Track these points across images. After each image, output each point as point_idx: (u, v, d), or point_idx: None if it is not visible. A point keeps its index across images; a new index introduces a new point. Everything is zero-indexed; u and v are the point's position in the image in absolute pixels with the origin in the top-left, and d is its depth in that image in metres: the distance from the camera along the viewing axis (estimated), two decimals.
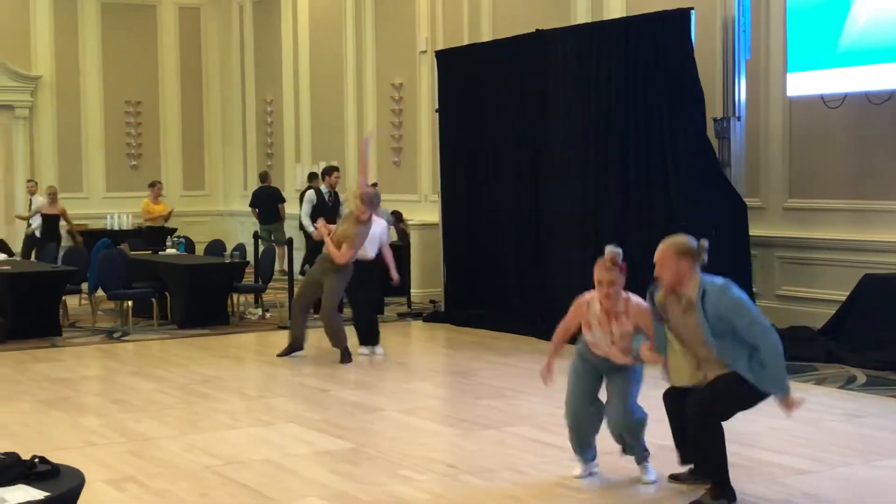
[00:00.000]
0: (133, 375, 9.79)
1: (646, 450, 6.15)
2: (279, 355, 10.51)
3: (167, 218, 16.87)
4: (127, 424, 7.75)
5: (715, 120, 10.56)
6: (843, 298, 10.21)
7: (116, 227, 18.15)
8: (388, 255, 10.82)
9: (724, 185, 10.28)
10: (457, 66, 13.35)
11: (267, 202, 16.83)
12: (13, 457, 3.79)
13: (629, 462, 6.26)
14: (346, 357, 10.27)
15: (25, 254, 16.09)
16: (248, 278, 14.29)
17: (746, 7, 10.48)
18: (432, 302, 13.93)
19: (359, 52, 16.99)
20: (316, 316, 11.09)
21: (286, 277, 13.71)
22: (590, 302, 6.01)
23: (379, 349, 10.69)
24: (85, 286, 13.39)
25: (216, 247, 14.81)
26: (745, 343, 5.44)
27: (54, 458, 3.92)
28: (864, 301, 10.04)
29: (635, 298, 5.92)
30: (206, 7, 20.47)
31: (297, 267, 14.09)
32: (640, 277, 6.19)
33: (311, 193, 13.92)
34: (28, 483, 3.70)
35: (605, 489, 6.04)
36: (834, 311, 10.32)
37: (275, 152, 19.46)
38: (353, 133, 17.20)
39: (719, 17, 10.72)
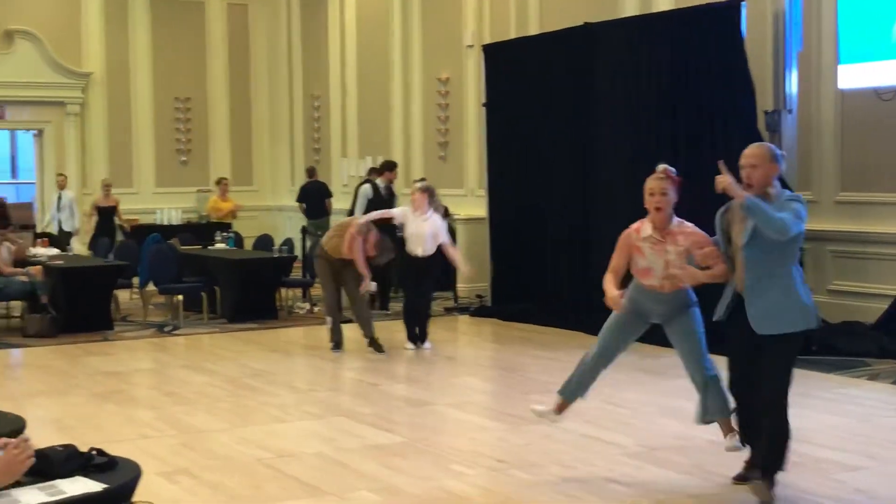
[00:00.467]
0: (184, 369, 9.89)
1: (728, 408, 5.85)
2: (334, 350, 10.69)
3: (235, 214, 16.87)
4: (179, 417, 7.82)
5: (766, 113, 10.47)
6: None
7: (166, 222, 18.31)
8: (450, 251, 10.69)
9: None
10: (504, 60, 13.33)
11: (314, 197, 16.88)
12: (71, 449, 3.84)
13: (676, 456, 6.23)
14: (375, 346, 10.48)
15: (91, 245, 16.33)
16: (296, 273, 14.36)
17: None
18: (479, 297, 13.95)
19: (405, 46, 17.00)
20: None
21: None
22: (639, 227, 5.91)
23: (426, 345, 10.69)
24: (136, 280, 13.53)
25: (265, 241, 14.91)
26: (788, 261, 5.38)
27: (108, 450, 3.96)
28: None
29: (688, 223, 5.82)
30: (253, 3, 20.58)
31: None
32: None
33: (366, 188, 13.93)
34: (86, 475, 3.74)
35: (654, 483, 6.01)
36: (886, 306, 10.19)
37: (322, 147, 19.53)
38: (399, 128, 17.22)
39: (770, 9, 10.63)
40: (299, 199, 16.86)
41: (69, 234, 16.95)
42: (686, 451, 6.57)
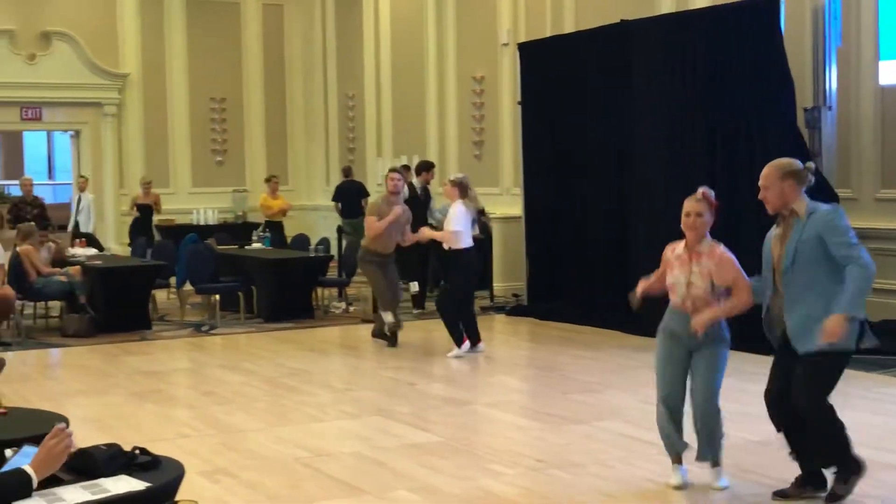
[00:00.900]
0: (222, 368, 9.92)
1: (718, 453, 5.88)
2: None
3: (286, 212, 16.85)
4: (218, 417, 7.85)
5: (805, 110, 10.37)
6: None
7: (202, 222, 18.41)
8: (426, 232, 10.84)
9: (814, 176, 10.07)
10: (540, 58, 13.29)
11: (350, 196, 16.91)
12: (115, 448, 3.84)
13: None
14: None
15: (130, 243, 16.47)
16: (332, 272, 14.39)
17: None
18: (515, 295, 13.91)
19: (440, 45, 16.99)
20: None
21: None
22: (675, 246, 5.91)
23: (453, 351, 10.33)
24: (173, 280, 13.59)
25: (301, 241, 14.95)
26: (825, 281, 5.29)
27: (148, 449, 3.97)
28: None
29: (724, 248, 5.78)
30: (288, 3, 20.65)
31: None
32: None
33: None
34: (129, 474, 3.75)
35: (693, 483, 5.95)
36: None
37: (357, 147, 19.56)
38: (434, 127, 17.21)
39: (809, 5, 10.54)
40: (335, 199, 16.89)
41: (86, 235, 17.00)
42: (725, 450, 6.49)
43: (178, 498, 3.85)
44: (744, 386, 8.52)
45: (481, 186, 14.20)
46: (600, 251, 12.23)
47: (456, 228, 10.13)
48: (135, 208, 17.42)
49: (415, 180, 13.93)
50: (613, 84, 11.95)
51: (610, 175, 12.10)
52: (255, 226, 18.12)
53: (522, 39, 14.32)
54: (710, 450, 5.87)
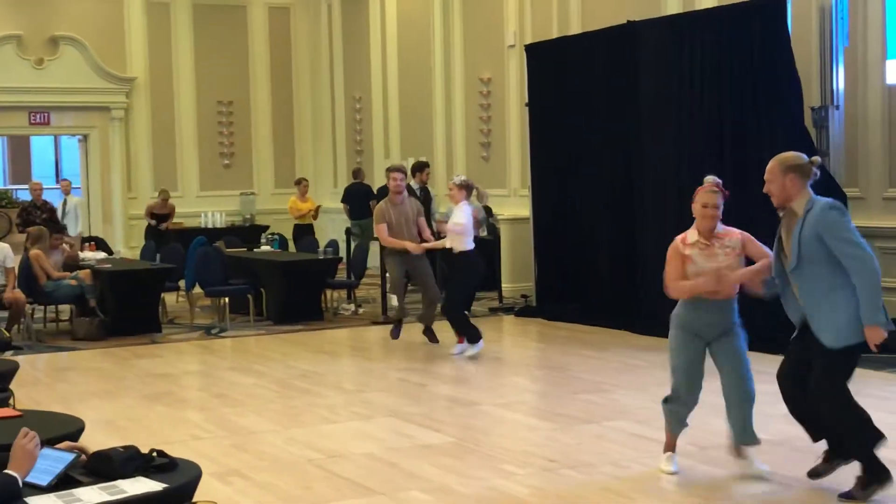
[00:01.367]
0: (232, 371, 9.95)
1: (755, 436, 6.00)
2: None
3: (315, 215, 16.72)
4: (229, 419, 7.88)
5: (812, 109, 10.38)
6: None
7: (210, 226, 18.45)
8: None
9: (822, 175, 10.05)
10: (546, 59, 13.31)
11: (358, 198, 16.94)
12: (133, 450, 3.88)
13: (728, 455, 6.19)
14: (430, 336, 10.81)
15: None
16: (341, 274, 14.41)
17: None
18: (524, 296, 13.93)
19: (447, 47, 17.02)
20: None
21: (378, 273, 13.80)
22: (685, 236, 6.02)
23: (456, 348, 10.40)
24: (182, 283, 13.63)
25: (310, 243, 14.97)
26: (834, 275, 5.31)
27: (165, 451, 4.00)
28: None
29: (738, 231, 6.00)
30: (295, 6, 20.69)
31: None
32: None
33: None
34: (146, 475, 3.79)
35: (706, 483, 5.97)
36: None
37: (364, 149, 19.59)
38: (441, 128, 17.24)
39: (816, 4, 10.54)
40: (343, 200, 16.91)
41: (95, 239, 16.96)
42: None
43: (195, 499, 3.88)
44: (758, 386, 8.53)
45: (489, 188, 14.23)
46: (608, 252, 12.24)
47: (463, 221, 10.14)
48: (150, 217, 17.40)
49: (412, 182, 13.95)
50: (620, 85, 11.97)
51: (618, 176, 12.11)
52: (264, 228, 18.20)
53: (529, 41, 14.34)
54: (751, 432, 6.01)
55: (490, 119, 16.20)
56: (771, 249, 5.76)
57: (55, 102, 18.68)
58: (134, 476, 3.77)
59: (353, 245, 14.58)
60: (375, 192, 16.41)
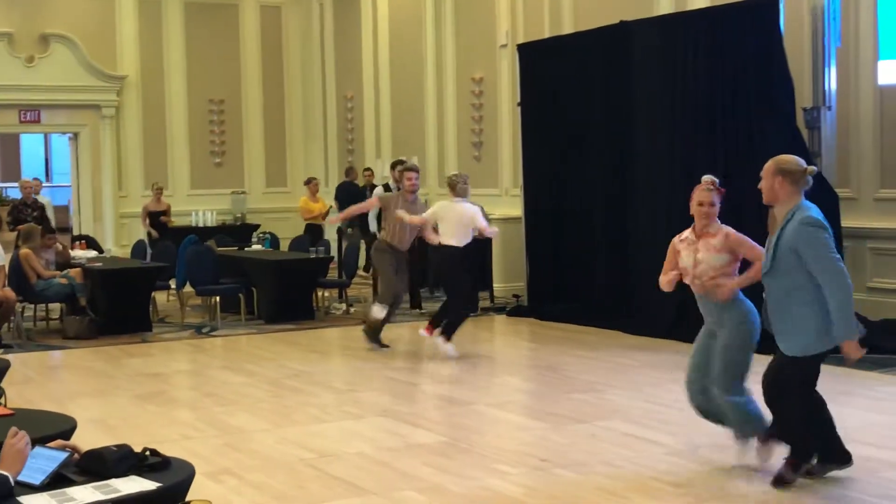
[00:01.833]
0: (223, 370, 9.93)
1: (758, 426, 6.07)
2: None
3: (325, 215, 16.38)
4: (221, 418, 7.85)
5: (804, 110, 10.39)
6: None
7: (201, 224, 18.40)
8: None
9: (814, 176, 10.09)
10: (539, 59, 13.31)
11: (349, 197, 16.89)
12: (126, 449, 3.86)
13: (720, 455, 6.20)
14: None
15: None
16: (333, 273, 14.40)
17: None
18: (515, 296, 13.92)
19: (439, 46, 17.00)
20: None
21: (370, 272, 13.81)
22: (682, 235, 6.21)
23: (444, 346, 10.28)
24: (173, 282, 13.60)
25: (301, 242, 14.95)
26: (805, 286, 5.33)
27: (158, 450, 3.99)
28: None
29: (730, 228, 6.10)
30: (287, 5, 20.65)
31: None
32: None
33: (378, 189, 13.94)
34: (140, 474, 3.77)
35: (699, 482, 5.97)
36: None
37: (355, 148, 19.57)
38: (433, 128, 17.22)
39: (808, 5, 10.55)
40: (335, 199, 16.88)
41: (86, 238, 16.86)
42: (730, 449, 6.51)
43: (188, 498, 3.86)
44: (754, 387, 8.55)
45: (481, 187, 14.28)
46: (601, 251, 12.24)
47: (423, 216, 10.23)
48: (147, 216, 17.28)
49: (390, 180, 13.98)
50: (613, 85, 11.97)
51: (610, 175, 12.12)
52: (255, 227, 18.16)
53: (521, 40, 14.33)
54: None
55: (482, 119, 16.19)
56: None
57: (46, 100, 18.61)
58: (127, 475, 3.75)
59: (344, 244, 14.56)
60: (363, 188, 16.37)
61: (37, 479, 3.64)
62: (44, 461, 3.72)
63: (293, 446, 6.95)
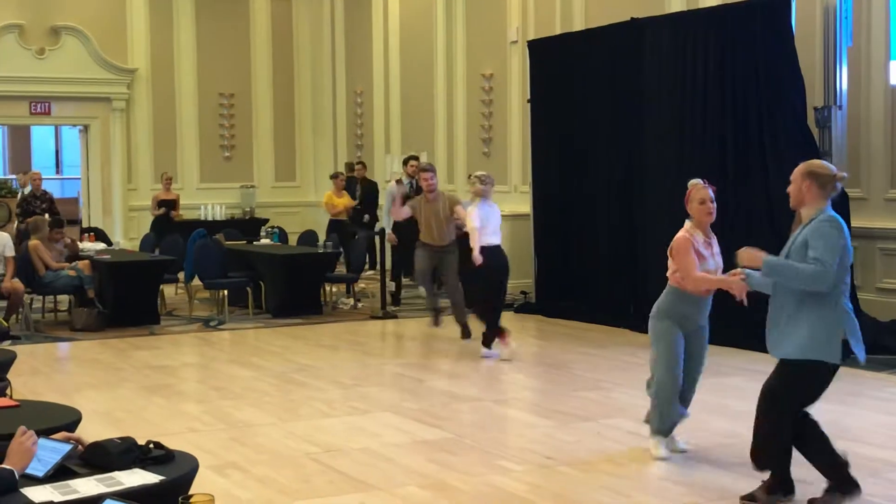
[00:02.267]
0: (230, 363, 9.93)
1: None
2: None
3: (349, 211, 16.10)
4: (227, 411, 7.86)
5: (815, 109, 10.35)
6: None
7: (210, 218, 18.42)
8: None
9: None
10: (549, 56, 13.29)
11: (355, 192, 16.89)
12: (129, 442, 3.86)
13: (725, 454, 6.18)
14: (465, 332, 10.79)
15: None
16: (341, 268, 14.40)
17: None
18: (523, 293, 13.90)
19: (449, 42, 16.98)
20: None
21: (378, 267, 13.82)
22: (692, 234, 6.21)
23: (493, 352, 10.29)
24: (181, 275, 13.61)
25: (309, 237, 14.95)
26: (809, 292, 5.25)
27: (162, 443, 3.99)
28: None
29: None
30: None
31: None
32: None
33: (391, 185, 13.94)
34: (143, 467, 3.77)
35: (704, 481, 5.96)
36: None
37: (364, 143, 19.56)
38: (442, 124, 17.20)
39: (820, 4, 10.51)
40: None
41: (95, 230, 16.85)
42: (735, 448, 6.51)
43: (192, 492, 3.85)
44: (754, 385, 8.51)
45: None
46: (609, 249, 12.22)
47: (475, 225, 10.01)
48: (156, 206, 17.28)
49: (403, 176, 13.97)
50: (623, 82, 11.95)
51: (619, 173, 12.09)
52: (263, 221, 18.19)
53: (532, 37, 14.31)
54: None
55: (491, 115, 16.17)
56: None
57: (56, 92, 18.63)
58: (131, 468, 3.75)
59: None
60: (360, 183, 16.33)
61: (40, 471, 3.64)
62: (48, 453, 3.72)
63: (299, 441, 6.95)
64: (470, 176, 11.23)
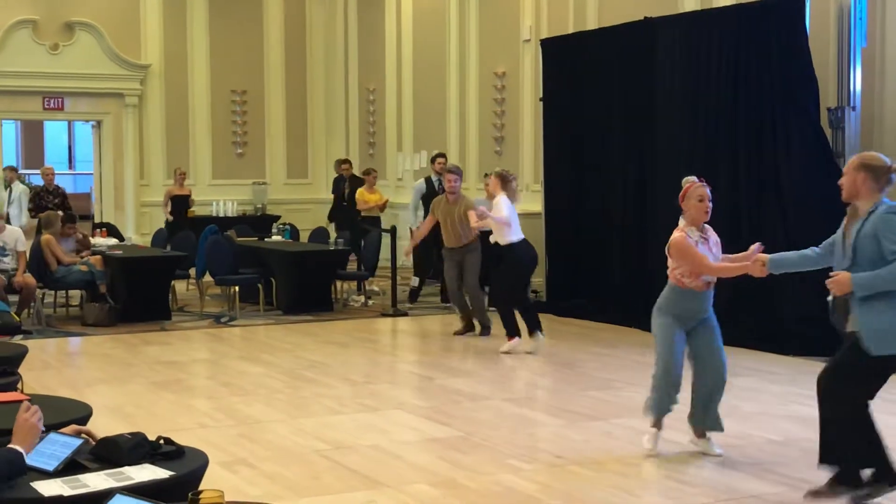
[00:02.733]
0: (241, 360, 9.95)
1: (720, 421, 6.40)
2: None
3: (383, 208, 15.61)
4: (237, 408, 7.87)
5: (829, 109, 10.31)
6: None
7: (222, 214, 18.44)
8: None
9: (838, 177, 9.95)
10: (562, 54, 13.27)
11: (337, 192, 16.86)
12: (139, 437, 3.86)
13: (735, 454, 6.16)
14: (485, 332, 10.98)
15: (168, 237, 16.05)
16: (352, 266, 14.40)
17: None
18: (534, 292, 13.88)
19: (462, 40, 16.97)
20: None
21: (389, 265, 13.79)
22: (688, 233, 6.39)
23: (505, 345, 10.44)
24: (193, 271, 13.63)
25: (321, 234, 14.95)
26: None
27: (172, 439, 3.99)
28: None
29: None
30: None
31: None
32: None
33: (419, 182, 13.95)
34: (153, 463, 3.77)
35: (714, 481, 5.95)
36: None
37: (377, 141, 19.57)
38: (455, 122, 17.19)
39: (834, 4, 10.47)
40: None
41: (106, 226, 16.83)
42: (745, 449, 6.50)
43: (201, 487, 3.86)
44: (765, 386, 8.53)
45: None
46: (620, 249, 12.21)
47: (504, 215, 10.03)
48: (169, 201, 17.29)
49: (431, 174, 13.97)
50: (635, 81, 11.93)
51: (631, 172, 12.08)
52: (275, 218, 18.19)
53: (545, 35, 14.29)
54: (712, 416, 6.42)
55: (504, 113, 16.16)
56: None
57: (69, 88, 18.68)
58: (141, 463, 3.75)
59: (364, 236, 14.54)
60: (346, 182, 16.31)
61: (50, 466, 3.65)
62: (58, 447, 3.73)
63: (308, 437, 6.96)
64: (486, 174, 11.28)
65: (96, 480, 3.58)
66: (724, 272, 6.28)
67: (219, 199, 19.03)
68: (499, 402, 8.15)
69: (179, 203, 17.25)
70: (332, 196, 17.31)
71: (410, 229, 13.41)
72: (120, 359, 9.99)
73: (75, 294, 12.94)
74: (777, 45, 10.22)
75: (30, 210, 15.88)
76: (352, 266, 14.38)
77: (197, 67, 19.70)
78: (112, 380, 9.02)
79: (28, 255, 11.88)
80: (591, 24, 13.87)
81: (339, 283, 13.59)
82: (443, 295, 13.16)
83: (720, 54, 10.83)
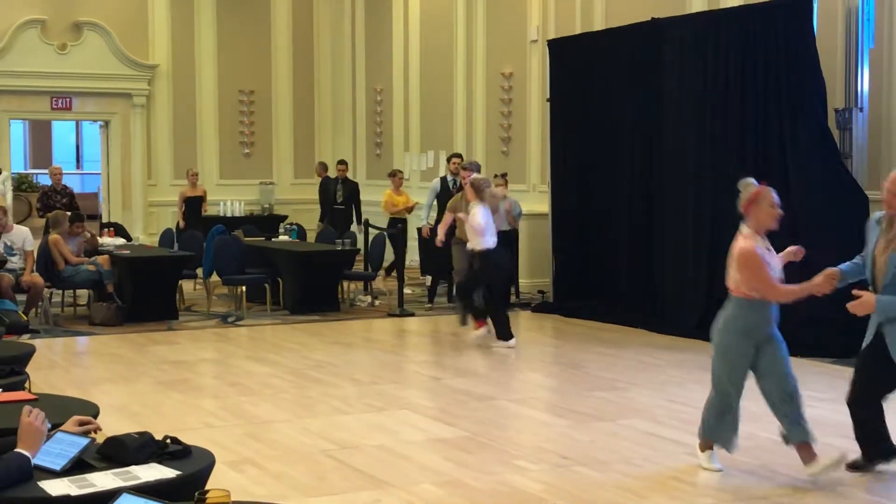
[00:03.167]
0: (247, 359, 9.96)
1: (807, 431, 5.88)
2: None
3: (411, 210, 15.37)
4: (243, 407, 7.88)
5: (836, 111, 10.31)
6: None
7: (229, 214, 18.44)
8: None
9: (845, 178, 10.02)
10: (569, 55, 13.28)
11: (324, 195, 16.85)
12: (146, 436, 3.88)
13: (741, 455, 6.16)
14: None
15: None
16: (358, 266, 14.40)
17: None
18: (541, 292, 13.90)
19: (469, 41, 16.98)
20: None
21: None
22: (755, 242, 5.81)
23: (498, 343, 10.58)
24: (200, 271, 13.65)
25: (328, 234, 14.96)
26: None
27: (179, 438, 4.00)
28: None
29: None
30: None
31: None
32: None
33: (435, 182, 13.94)
34: (160, 462, 3.78)
35: (719, 483, 5.95)
36: None
37: (384, 141, 19.58)
38: (461, 122, 17.20)
39: (842, 5, 10.46)
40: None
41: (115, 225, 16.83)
42: (751, 450, 6.49)
43: (208, 487, 3.87)
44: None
45: (509, 183, 14.21)
46: (626, 249, 12.21)
47: (478, 222, 10.20)
48: (183, 203, 17.30)
49: (448, 174, 13.97)
50: (643, 82, 11.92)
51: (637, 173, 12.08)
52: (282, 218, 18.22)
53: (552, 36, 14.30)
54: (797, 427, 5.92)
55: (511, 114, 16.16)
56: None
57: (77, 88, 18.71)
58: (147, 462, 3.76)
59: (370, 237, 14.54)
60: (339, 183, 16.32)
61: (57, 465, 3.66)
62: (65, 447, 3.74)
63: (315, 437, 6.97)
64: (496, 175, 11.32)
65: (103, 480, 3.60)
66: (791, 296, 5.80)
67: (226, 199, 19.02)
68: (505, 403, 8.16)
69: (193, 205, 17.26)
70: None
71: (418, 229, 13.42)
72: (127, 358, 10.01)
73: (83, 293, 12.97)
74: (784, 46, 10.21)
75: (37, 210, 15.91)
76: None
77: (205, 68, 19.72)
78: (119, 379, 9.04)
79: (36, 254, 11.91)
80: (599, 25, 13.87)
81: (345, 283, 13.59)
82: (450, 295, 13.17)
83: (727, 55, 10.82)
